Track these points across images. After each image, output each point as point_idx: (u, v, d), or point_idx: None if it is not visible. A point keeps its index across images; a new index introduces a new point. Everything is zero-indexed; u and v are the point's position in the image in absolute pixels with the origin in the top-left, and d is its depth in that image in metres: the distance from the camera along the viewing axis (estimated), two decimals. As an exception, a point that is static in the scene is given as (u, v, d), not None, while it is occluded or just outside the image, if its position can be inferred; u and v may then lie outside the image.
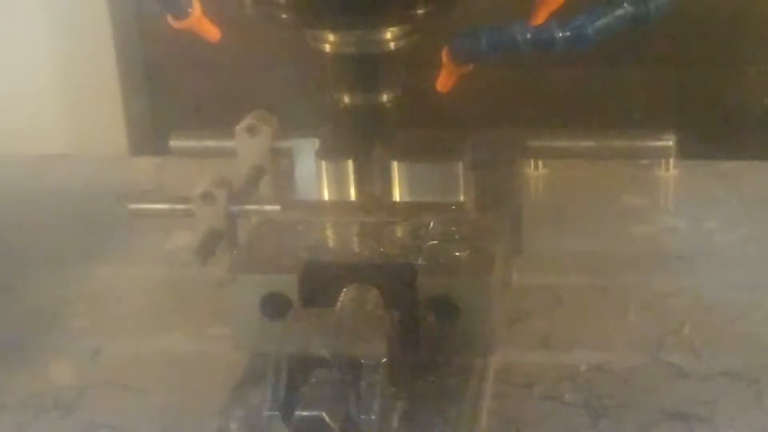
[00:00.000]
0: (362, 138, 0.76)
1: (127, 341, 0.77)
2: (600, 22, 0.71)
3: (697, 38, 1.07)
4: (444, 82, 0.77)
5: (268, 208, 0.74)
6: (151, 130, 1.17)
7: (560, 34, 0.71)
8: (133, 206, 0.77)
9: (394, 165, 0.75)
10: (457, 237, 0.69)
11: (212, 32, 0.77)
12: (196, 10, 0.76)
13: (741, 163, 0.97)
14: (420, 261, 0.67)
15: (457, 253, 0.68)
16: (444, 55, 0.75)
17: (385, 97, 0.75)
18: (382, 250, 0.69)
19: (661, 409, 0.67)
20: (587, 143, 0.87)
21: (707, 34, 1.07)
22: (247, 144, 0.82)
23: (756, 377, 0.69)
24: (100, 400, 0.71)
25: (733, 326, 0.75)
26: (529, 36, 0.72)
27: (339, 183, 0.76)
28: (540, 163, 0.95)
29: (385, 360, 0.59)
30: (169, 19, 0.76)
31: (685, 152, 0.89)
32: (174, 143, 0.89)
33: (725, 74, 1.09)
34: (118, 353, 0.75)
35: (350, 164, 0.76)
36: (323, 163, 0.76)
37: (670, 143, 0.87)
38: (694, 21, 1.03)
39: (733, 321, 0.76)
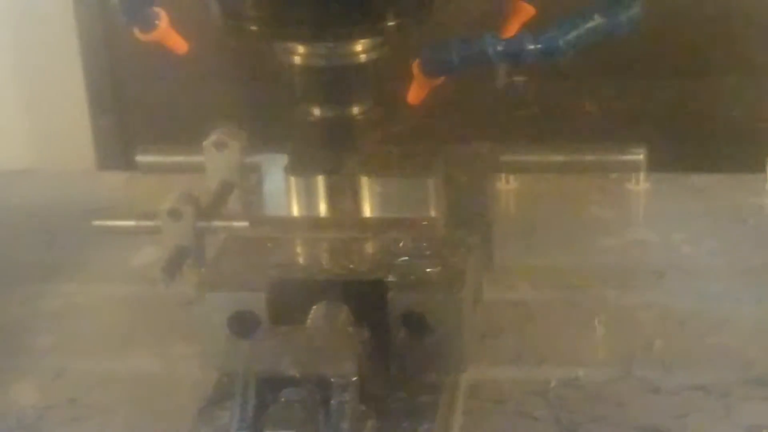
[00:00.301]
0: (332, 152, 0.76)
1: (91, 360, 0.76)
2: (571, 35, 0.71)
3: (667, 50, 1.07)
4: (415, 94, 0.76)
5: (236, 224, 0.73)
6: (118, 144, 1.16)
7: (531, 47, 0.71)
8: (97, 223, 0.76)
9: (365, 180, 0.74)
10: (427, 253, 0.69)
11: (180, 45, 0.77)
12: (164, 22, 0.75)
13: (711, 176, 0.98)
14: (390, 277, 0.66)
15: (428, 269, 0.67)
16: (415, 68, 0.75)
17: (355, 110, 0.75)
18: (351, 266, 0.68)
19: (633, 424, 0.67)
20: (558, 157, 0.87)
21: (678, 45, 1.07)
22: (215, 159, 0.81)
23: (727, 391, 0.70)
24: (64, 420, 0.70)
25: (704, 340, 0.75)
26: (500, 48, 0.71)
27: (308, 199, 0.75)
28: (511, 177, 0.94)
29: (355, 378, 0.58)
30: (136, 31, 0.75)
31: (655, 165, 0.89)
32: (141, 158, 0.88)
33: (695, 86, 1.09)
34: (83, 372, 0.74)
35: (320, 179, 0.75)
36: (292, 179, 0.75)
37: (640, 157, 0.87)
38: (664, 33, 1.04)
39: (703, 334, 0.76)
